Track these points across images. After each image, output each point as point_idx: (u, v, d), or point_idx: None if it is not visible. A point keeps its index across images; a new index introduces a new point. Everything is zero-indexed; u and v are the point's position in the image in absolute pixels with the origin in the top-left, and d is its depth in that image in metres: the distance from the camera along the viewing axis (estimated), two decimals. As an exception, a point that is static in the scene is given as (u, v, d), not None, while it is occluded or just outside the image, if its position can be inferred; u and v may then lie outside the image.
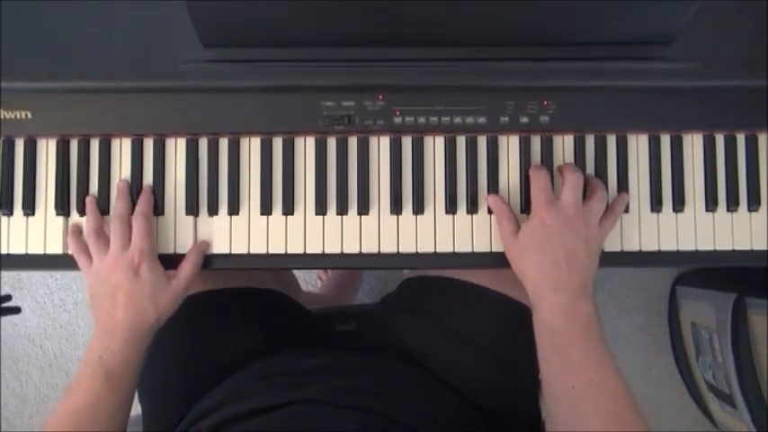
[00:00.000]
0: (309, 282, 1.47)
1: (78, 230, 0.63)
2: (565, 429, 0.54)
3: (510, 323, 0.69)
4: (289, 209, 0.64)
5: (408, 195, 0.64)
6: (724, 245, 0.64)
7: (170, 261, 0.62)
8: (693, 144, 0.65)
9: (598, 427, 0.51)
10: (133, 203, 0.62)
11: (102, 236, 0.61)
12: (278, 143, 0.64)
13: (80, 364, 0.58)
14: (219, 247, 0.63)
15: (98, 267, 0.60)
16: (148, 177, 0.64)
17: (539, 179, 0.60)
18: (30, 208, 0.64)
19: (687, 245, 0.64)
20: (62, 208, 0.64)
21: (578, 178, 0.59)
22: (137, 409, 0.75)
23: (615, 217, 0.62)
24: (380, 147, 0.65)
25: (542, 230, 0.57)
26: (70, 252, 0.63)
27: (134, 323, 0.58)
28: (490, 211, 0.64)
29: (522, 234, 0.59)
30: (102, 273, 0.59)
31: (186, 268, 0.61)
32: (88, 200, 0.63)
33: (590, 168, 0.65)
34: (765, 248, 0.64)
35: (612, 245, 0.64)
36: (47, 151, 0.64)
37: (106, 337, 0.58)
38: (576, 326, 0.55)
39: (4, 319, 1.43)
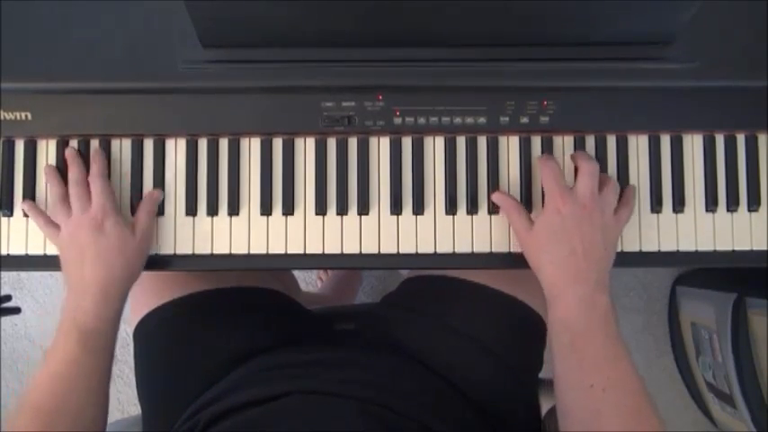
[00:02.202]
0: (309, 282, 1.47)
1: (35, 206, 0.63)
2: (581, 427, 0.52)
3: (510, 321, 0.69)
4: (289, 209, 0.64)
5: (408, 196, 0.64)
6: (724, 245, 0.64)
7: (170, 262, 0.62)
8: (693, 144, 0.65)
9: (616, 426, 0.50)
10: (140, 195, 0.63)
11: (67, 202, 0.61)
12: (278, 143, 0.64)
13: (56, 330, 0.57)
14: (220, 248, 0.63)
15: (64, 232, 0.60)
16: (148, 178, 0.64)
17: (550, 167, 0.59)
18: (30, 208, 0.64)
19: (687, 245, 0.64)
20: (62, 208, 0.64)
21: (594, 166, 0.58)
22: (137, 408, 0.75)
23: (630, 208, 0.61)
24: (380, 147, 0.65)
25: (558, 220, 0.56)
26: (37, 226, 0.62)
27: (104, 279, 0.57)
28: (490, 212, 0.64)
29: (538, 226, 0.58)
30: (67, 237, 0.59)
31: (141, 218, 0.61)
32: (47, 169, 0.63)
33: (590, 168, 0.65)
34: (765, 248, 0.64)
35: (612, 245, 0.64)
36: (47, 152, 0.64)
37: (77, 297, 0.57)
38: (595, 319, 0.54)
39: (4, 319, 1.43)
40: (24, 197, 0.64)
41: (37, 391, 0.54)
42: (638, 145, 0.65)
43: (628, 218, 0.61)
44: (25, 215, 0.64)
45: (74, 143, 0.64)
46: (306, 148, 0.64)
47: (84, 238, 0.58)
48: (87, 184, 0.61)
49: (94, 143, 0.64)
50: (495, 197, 0.62)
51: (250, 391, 0.57)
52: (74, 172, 0.61)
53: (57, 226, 0.61)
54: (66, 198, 0.61)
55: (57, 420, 0.53)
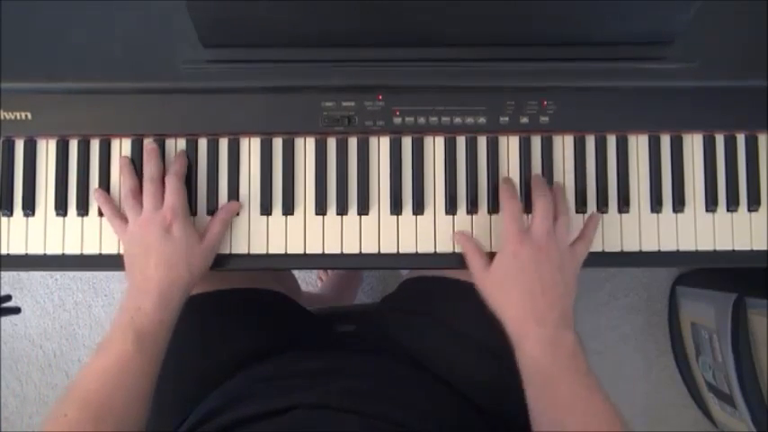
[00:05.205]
0: (309, 282, 1.47)
1: (107, 196, 0.63)
2: None
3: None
4: (289, 209, 0.64)
5: (408, 196, 0.64)
6: (724, 245, 0.64)
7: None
8: (693, 144, 0.65)
9: None
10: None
11: (139, 197, 0.61)
12: (278, 143, 0.64)
13: (111, 323, 0.57)
14: (220, 248, 0.63)
15: (132, 228, 0.60)
16: (148, 178, 0.64)
17: (511, 207, 0.59)
18: (29, 208, 0.64)
19: (687, 245, 0.64)
20: (62, 208, 0.64)
21: (549, 205, 0.58)
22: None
23: (588, 241, 0.60)
24: (380, 147, 0.64)
25: (516, 262, 0.56)
26: (105, 216, 0.63)
27: (166, 282, 0.57)
28: (490, 212, 0.64)
29: (495, 267, 0.58)
30: (135, 233, 0.59)
31: (215, 226, 0.61)
32: (123, 161, 0.63)
33: (590, 168, 0.64)
34: (765, 248, 0.64)
35: (612, 245, 0.64)
36: (47, 152, 0.64)
37: (138, 297, 0.57)
38: (562, 358, 0.54)
39: (4, 319, 1.43)
40: (24, 197, 0.64)
41: (87, 380, 0.55)
42: (638, 145, 0.65)
43: (585, 251, 0.60)
44: (25, 215, 0.64)
45: (74, 143, 0.64)
46: (306, 148, 0.64)
47: (151, 237, 0.58)
48: (162, 182, 0.61)
49: (181, 142, 0.64)
50: (458, 237, 0.62)
51: (255, 404, 0.57)
52: (150, 168, 0.61)
53: (124, 219, 0.61)
54: (138, 193, 0.61)
55: (104, 415, 0.53)
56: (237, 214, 0.64)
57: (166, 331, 0.58)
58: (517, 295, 0.56)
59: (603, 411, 0.53)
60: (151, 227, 0.58)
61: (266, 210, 0.64)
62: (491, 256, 0.60)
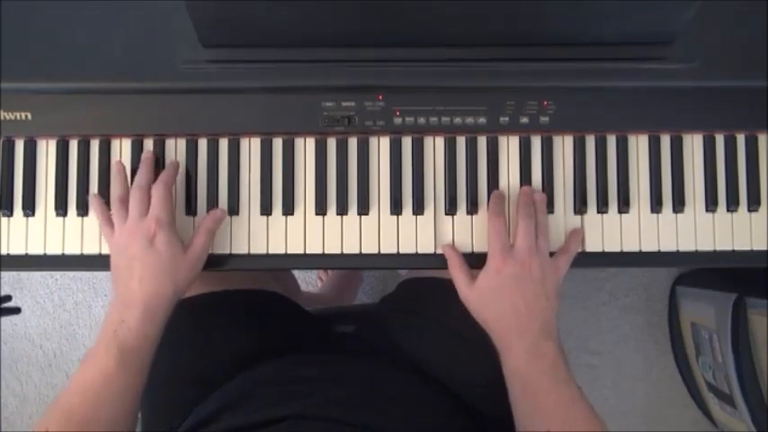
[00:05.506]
0: (309, 282, 1.47)
1: (102, 203, 0.62)
2: None
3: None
4: (289, 209, 0.64)
5: (408, 196, 0.64)
6: (724, 245, 0.64)
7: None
8: (693, 144, 0.65)
9: None
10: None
11: (126, 204, 0.59)
12: (278, 143, 0.64)
13: (96, 335, 0.57)
14: (220, 248, 0.63)
15: (117, 238, 0.59)
16: (148, 178, 0.64)
17: (496, 225, 0.59)
18: (30, 208, 0.64)
19: (687, 245, 0.64)
20: (62, 208, 0.64)
21: (531, 222, 0.59)
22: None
23: (570, 255, 0.61)
24: (380, 147, 0.64)
25: (499, 279, 0.57)
26: (97, 221, 0.62)
27: (150, 296, 0.56)
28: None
29: (479, 283, 0.59)
30: (120, 243, 0.58)
31: (200, 237, 0.60)
32: (116, 167, 0.62)
33: (590, 169, 0.64)
34: (765, 248, 0.64)
35: (612, 245, 0.64)
36: (47, 152, 0.64)
37: (122, 310, 0.56)
38: (543, 367, 0.55)
39: (4, 319, 1.43)
40: (24, 197, 0.64)
41: (71, 393, 0.54)
42: (638, 145, 0.65)
43: (567, 265, 0.61)
44: (25, 215, 0.64)
45: (74, 143, 0.64)
46: (306, 148, 0.64)
47: (134, 248, 0.57)
48: (150, 190, 0.59)
49: (181, 142, 0.64)
50: (445, 249, 0.62)
51: (254, 411, 0.57)
52: (140, 176, 0.60)
53: (113, 225, 0.60)
54: (125, 200, 0.60)
55: (86, 429, 0.53)
56: (237, 214, 0.64)
57: (151, 345, 0.57)
58: (501, 310, 0.57)
59: (585, 420, 0.54)
60: (135, 236, 0.57)
61: (266, 210, 0.64)
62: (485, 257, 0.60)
